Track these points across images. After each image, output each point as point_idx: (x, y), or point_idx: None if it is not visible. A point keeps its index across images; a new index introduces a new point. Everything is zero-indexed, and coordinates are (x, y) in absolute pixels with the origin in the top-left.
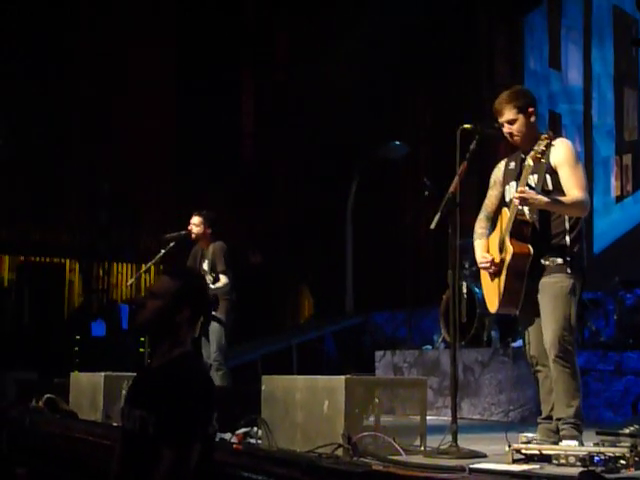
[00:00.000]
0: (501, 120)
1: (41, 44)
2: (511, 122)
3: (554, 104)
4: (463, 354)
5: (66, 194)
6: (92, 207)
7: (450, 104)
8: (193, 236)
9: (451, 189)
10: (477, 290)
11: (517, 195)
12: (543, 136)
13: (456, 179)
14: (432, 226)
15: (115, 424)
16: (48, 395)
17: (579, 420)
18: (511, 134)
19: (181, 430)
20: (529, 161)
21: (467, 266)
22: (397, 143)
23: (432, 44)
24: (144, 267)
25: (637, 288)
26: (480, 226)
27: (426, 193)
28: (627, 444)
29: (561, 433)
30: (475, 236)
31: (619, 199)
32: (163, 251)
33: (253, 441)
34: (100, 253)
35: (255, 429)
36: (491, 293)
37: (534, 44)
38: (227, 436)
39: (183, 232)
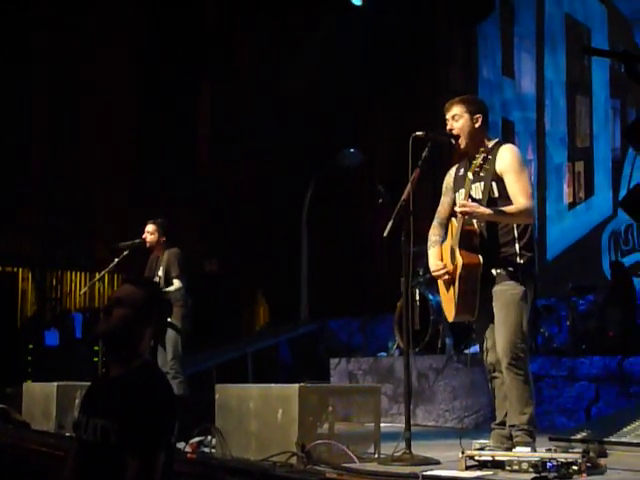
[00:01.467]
0: (447, 116)
1: None
2: (455, 118)
3: (507, 112)
4: (417, 361)
5: (20, 202)
6: (46, 215)
7: (406, 111)
8: (147, 244)
9: (403, 197)
10: (431, 297)
11: (459, 210)
12: (481, 149)
13: (408, 187)
14: (385, 234)
15: (68, 434)
16: (0, 405)
17: (532, 427)
18: (452, 130)
19: (147, 440)
20: (469, 175)
21: (421, 273)
22: (352, 150)
23: (389, 51)
24: (98, 276)
25: (589, 294)
26: (434, 233)
27: (380, 201)
28: (579, 450)
29: (514, 440)
30: (429, 244)
31: (571, 206)
32: (117, 260)
33: (207, 450)
34: (54, 262)
35: (209, 438)
36: (448, 302)
37: (487, 52)
38: (181, 445)
39: (137, 240)
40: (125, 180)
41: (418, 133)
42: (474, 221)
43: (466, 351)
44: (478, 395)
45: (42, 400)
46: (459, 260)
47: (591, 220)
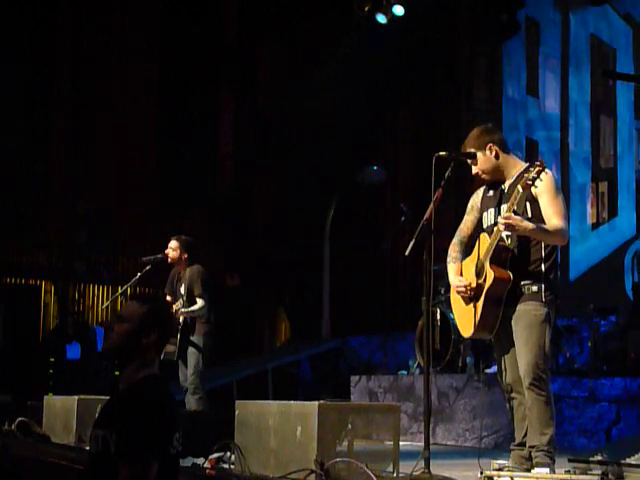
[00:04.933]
0: (470, 163)
1: (22, 61)
2: (473, 162)
3: (531, 131)
4: (438, 380)
5: (43, 215)
6: (69, 229)
7: (430, 129)
8: (169, 260)
9: (426, 216)
10: (452, 316)
11: (503, 221)
12: (536, 164)
13: (431, 206)
14: (407, 253)
15: (88, 448)
16: (21, 418)
17: (552, 448)
18: (477, 173)
19: (136, 447)
20: (519, 188)
21: (442, 292)
22: (375, 168)
23: (413, 69)
24: (120, 290)
25: (611, 315)
26: (454, 250)
27: (402, 219)
28: (598, 472)
29: (534, 461)
30: (449, 259)
31: (595, 226)
32: (139, 274)
33: (226, 466)
34: (76, 275)
35: (228, 454)
36: (465, 318)
37: (512, 71)
38: (200, 461)
39: (159, 255)
40: (147, 194)
41: (441, 153)
42: (505, 238)
43: (487, 371)
44: (498, 415)
45: (63, 414)
46: (490, 274)
47: (614, 241)
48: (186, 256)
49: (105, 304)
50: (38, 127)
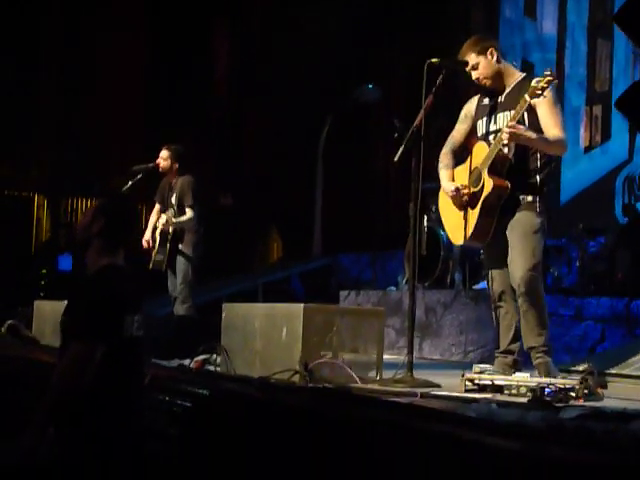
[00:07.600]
0: (467, 69)
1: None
2: (474, 66)
3: (527, 53)
4: (426, 295)
5: (35, 129)
6: (61, 142)
7: (424, 52)
8: (160, 169)
9: (416, 123)
10: (442, 233)
11: (508, 130)
12: (547, 74)
13: (421, 112)
14: (395, 159)
15: None
16: (10, 321)
17: (549, 347)
18: (478, 79)
19: (80, 326)
20: (526, 97)
21: (433, 210)
22: (370, 86)
23: None
24: None
25: (600, 236)
26: (446, 157)
27: (396, 135)
28: (578, 377)
29: (535, 362)
30: (440, 165)
31: (587, 150)
32: (130, 182)
33: (212, 368)
34: (68, 188)
35: (214, 356)
36: (458, 226)
37: None
38: (186, 362)
39: (150, 164)
40: (141, 118)
41: (433, 60)
42: (505, 148)
43: (475, 287)
44: (484, 330)
45: (52, 318)
46: (489, 182)
47: (606, 164)
48: (177, 166)
49: None
50: (28, 44)
